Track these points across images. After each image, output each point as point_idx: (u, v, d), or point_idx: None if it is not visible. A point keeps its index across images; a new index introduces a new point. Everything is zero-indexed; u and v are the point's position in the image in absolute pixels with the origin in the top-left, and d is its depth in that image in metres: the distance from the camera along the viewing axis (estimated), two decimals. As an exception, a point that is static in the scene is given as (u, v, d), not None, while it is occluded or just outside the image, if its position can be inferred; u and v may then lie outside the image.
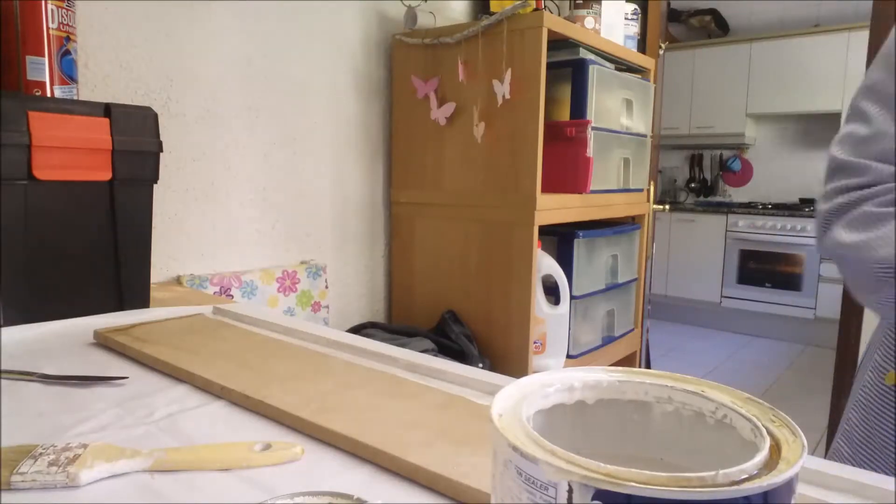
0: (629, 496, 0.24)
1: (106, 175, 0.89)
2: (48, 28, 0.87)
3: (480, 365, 1.56)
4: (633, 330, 2.10)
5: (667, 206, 2.43)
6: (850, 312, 2.20)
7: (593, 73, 1.66)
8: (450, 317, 1.67)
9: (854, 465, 0.64)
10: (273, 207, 1.52)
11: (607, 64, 1.80)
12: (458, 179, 1.65)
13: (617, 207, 1.87)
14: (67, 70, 0.90)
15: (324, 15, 1.57)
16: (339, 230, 1.69)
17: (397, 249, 1.79)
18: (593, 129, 1.65)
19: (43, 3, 0.86)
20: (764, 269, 4.21)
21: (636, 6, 2.04)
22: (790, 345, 4.13)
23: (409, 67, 1.70)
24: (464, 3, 1.98)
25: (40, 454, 0.45)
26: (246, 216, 1.46)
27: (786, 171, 4.65)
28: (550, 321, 1.65)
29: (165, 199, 1.27)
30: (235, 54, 1.39)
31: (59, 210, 0.86)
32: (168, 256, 1.30)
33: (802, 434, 0.29)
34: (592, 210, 1.75)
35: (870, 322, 2.14)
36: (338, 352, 0.77)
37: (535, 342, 1.63)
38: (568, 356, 1.74)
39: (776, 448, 0.28)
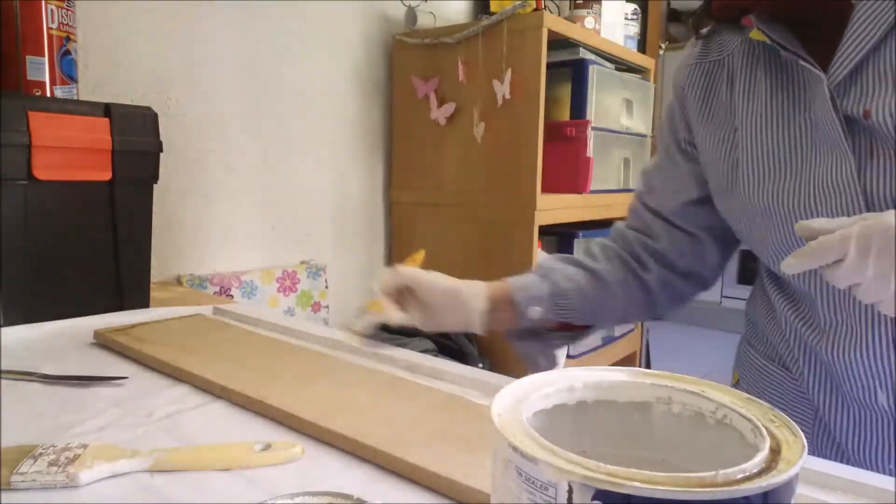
0: (629, 496, 0.24)
1: (106, 175, 0.89)
2: (48, 28, 0.87)
3: (480, 365, 1.56)
4: (633, 330, 2.10)
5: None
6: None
7: (593, 73, 1.66)
8: (450, 317, 1.66)
9: None
10: (273, 207, 1.51)
11: (607, 64, 1.80)
12: (458, 179, 1.65)
13: (617, 207, 1.86)
14: (67, 70, 0.90)
15: (324, 15, 1.57)
16: (339, 230, 1.69)
17: (397, 249, 1.79)
18: (593, 129, 1.65)
19: (43, 3, 0.86)
20: (764, 269, 4.21)
21: (636, 6, 2.04)
22: (790, 345, 4.12)
23: (409, 67, 1.70)
24: (464, 3, 1.98)
25: (40, 454, 0.45)
26: (246, 216, 1.46)
27: (786, 171, 4.64)
28: (550, 321, 1.65)
29: (165, 199, 1.27)
30: (235, 54, 1.39)
31: (59, 210, 0.86)
32: (168, 256, 1.30)
33: (802, 434, 0.29)
34: (592, 210, 1.75)
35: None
36: (338, 352, 0.77)
37: (535, 342, 1.63)
38: (568, 356, 1.73)
39: (776, 448, 0.28)
